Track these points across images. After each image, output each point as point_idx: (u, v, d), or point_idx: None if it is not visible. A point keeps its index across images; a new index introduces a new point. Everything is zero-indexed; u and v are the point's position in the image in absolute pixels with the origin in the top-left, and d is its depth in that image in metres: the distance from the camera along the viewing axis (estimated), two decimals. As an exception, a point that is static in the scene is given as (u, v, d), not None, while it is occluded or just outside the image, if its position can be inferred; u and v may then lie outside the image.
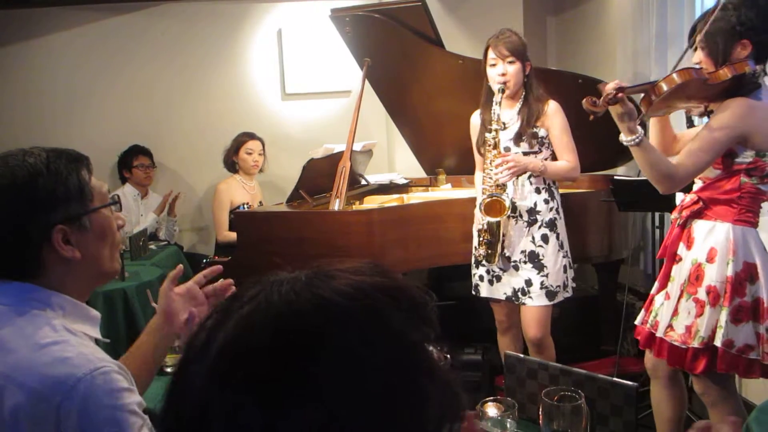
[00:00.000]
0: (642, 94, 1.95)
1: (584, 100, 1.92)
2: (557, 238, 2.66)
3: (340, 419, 0.49)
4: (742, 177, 1.95)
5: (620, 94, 1.88)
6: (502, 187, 2.61)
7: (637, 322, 2.24)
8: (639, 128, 1.95)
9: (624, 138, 1.95)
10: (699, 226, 2.03)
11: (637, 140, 1.94)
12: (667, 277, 2.12)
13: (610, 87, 1.90)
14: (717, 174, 1.99)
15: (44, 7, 4.41)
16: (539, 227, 2.65)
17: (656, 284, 2.20)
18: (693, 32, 2.02)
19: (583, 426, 1.39)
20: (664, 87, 1.87)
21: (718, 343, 1.92)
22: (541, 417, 1.43)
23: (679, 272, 2.08)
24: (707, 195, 2.02)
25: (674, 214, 2.12)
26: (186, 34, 4.57)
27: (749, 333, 1.94)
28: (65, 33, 4.50)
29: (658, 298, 2.15)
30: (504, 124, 2.65)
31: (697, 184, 2.06)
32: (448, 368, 0.57)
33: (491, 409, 1.48)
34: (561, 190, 2.85)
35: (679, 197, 2.16)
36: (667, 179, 1.97)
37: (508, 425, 1.45)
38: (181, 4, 4.57)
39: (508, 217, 2.62)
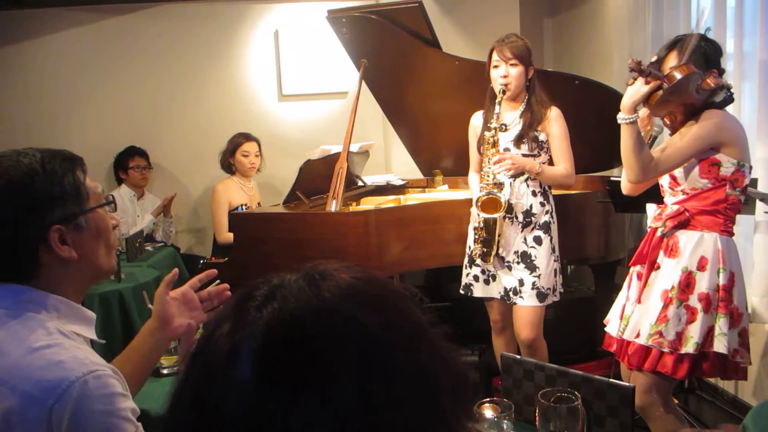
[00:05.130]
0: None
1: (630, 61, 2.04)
2: (550, 241, 2.68)
3: (374, 395, 0.52)
4: (728, 189, 2.02)
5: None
6: (500, 185, 2.63)
7: (611, 332, 2.26)
8: (638, 111, 2.04)
9: (622, 115, 2.04)
10: (686, 236, 2.08)
11: (634, 119, 2.02)
12: (644, 285, 2.15)
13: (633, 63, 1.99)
14: (705, 185, 2.05)
15: (40, 8, 4.40)
16: (533, 229, 2.67)
17: (628, 291, 2.23)
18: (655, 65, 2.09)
19: (579, 427, 1.39)
20: (677, 75, 1.95)
21: (722, 349, 1.98)
22: (537, 418, 1.43)
23: (656, 279, 2.13)
24: (693, 206, 2.08)
25: (655, 223, 2.16)
26: (182, 35, 4.56)
27: (735, 338, 2.03)
28: (61, 34, 4.49)
29: (629, 306, 2.19)
30: (505, 125, 2.67)
31: (678, 195, 2.12)
32: (449, 347, 0.60)
33: (488, 411, 1.48)
34: (558, 192, 2.86)
35: (651, 208, 2.21)
36: (643, 170, 2.05)
37: (505, 427, 1.45)
38: (177, 5, 4.56)
39: (504, 217, 2.63)
